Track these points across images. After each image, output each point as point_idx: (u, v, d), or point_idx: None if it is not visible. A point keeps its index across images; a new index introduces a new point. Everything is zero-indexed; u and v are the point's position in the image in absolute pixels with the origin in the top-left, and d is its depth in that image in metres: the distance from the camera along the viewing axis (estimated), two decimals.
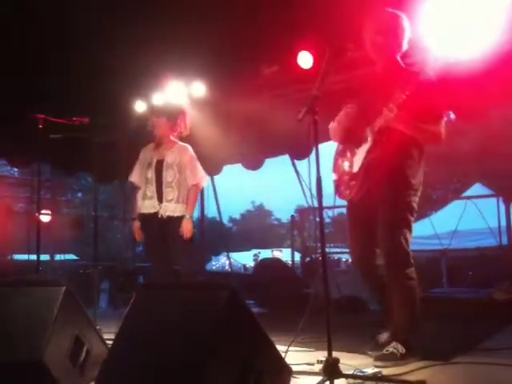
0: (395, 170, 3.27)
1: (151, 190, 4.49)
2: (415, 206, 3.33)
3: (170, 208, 4.44)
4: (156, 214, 4.45)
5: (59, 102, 5.86)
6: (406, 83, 3.16)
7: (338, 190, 3.45)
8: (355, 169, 3.36)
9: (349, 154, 3.44)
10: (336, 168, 3.50)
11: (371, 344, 3.43)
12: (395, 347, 3.20)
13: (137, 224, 4.60)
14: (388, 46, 3.35)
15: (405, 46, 3.39)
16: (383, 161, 3.24)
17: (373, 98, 3.32)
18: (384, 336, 3.43)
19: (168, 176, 4.47)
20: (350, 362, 3.16)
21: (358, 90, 3.56)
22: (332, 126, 3.52)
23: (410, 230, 3.31)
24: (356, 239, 3.51)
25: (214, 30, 5.37)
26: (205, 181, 4.70)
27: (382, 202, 3.30)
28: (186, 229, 4.42)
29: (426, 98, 3.17)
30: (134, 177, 4.68)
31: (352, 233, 3.53)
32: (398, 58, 3.41)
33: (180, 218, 4.45)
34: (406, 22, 3.36)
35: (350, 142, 3.45)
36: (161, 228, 4.45)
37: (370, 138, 3.30)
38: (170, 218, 4.43)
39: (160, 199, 4.46)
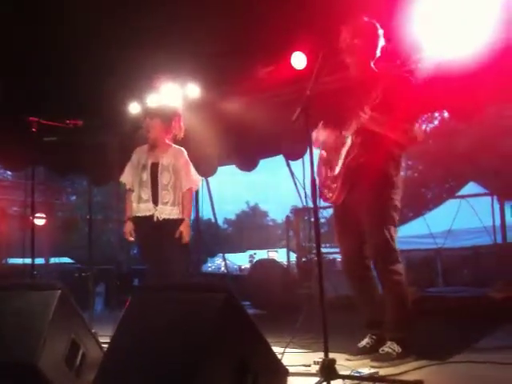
0: (377, 170, 3.31)
1: (146, 192, 4.48)
2: (398, 203, 3.38)
3: (166, 211, 4.43)
4: (151, 216, 4.44)
5: (53, 104, 5.84)
6: (380, 82, 3.21)
7: (321, 193, 3.48)
8: (336, 171, 3.40)
9: (330, 159, 3.49)
10: (319, 173, 3.54)
11: (352, 348, 3.43)
12: (391, 347, 3.21)
13: (130, 225, 4.58)
14: (363, 50, 3.42)
15: (378, 54, 3.46)
16: (363, 162, 3.30)
17: (348, 102, 3.38)
18: (364, 341, 3.44)
19: (164, 179, 4.46)
20: (346, 362, 3.17)
21: (338, 96, 3.59)
22: (313, 135, 3.54)
23: (394, 227, 3.36)
24: (344, 241, 3.55)
25: (207, 31, 5.36)
26: (198, 184, 4.72)
27: (366, 202, 3.34)
28: (186, 232, 4.43)
29: (401, 97, 3.21)
30: (125, 178, 4.66)
31: (340, 235, 3.56)
32: (372, 64, 3.46)
33: (175, 221, 4.44)
34: (380, 31, 3.44)
35: (329, 147, 3.48)
36: (156, 230, 4.44)
37: (348, 141, 3.33)
38: (166, 221, 4.42)
39: (155, 202, 4.45)
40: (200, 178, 4.72)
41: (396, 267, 3.30)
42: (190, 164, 4.59)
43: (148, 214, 4.46)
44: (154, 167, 4.49)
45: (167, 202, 4.44)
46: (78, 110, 5.63)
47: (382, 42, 3.44)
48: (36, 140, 4.48)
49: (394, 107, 3.19)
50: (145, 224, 4.49)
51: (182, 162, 4.54)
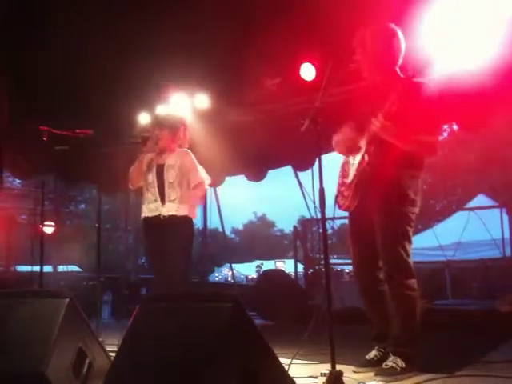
0: (389, 180, 3.24)
1: (153, 193, 4.51)
2: (413, 216, 3.30)
3: (173, 208, 4.44)
4: (158, 216, 4.46)
5: (63, 114, 5.89)
6: (398, 92, 3.15)
7: (336, 200, 3.46)
8: (349, 179, 3.38)
9: (346, 165, 3.48)
10: (339, 179, 3.53)
11: (360, 360, 3.41)
12: (395, 361, 3.16)
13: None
14: (384, 58, 3.36)
15: (400, 59, 3.41)
16: (374, 171, 3.25)
17: (371, 110, 3.33)
18: (372, 353, 3.42)
19: (169, 177, 4.49)
20: (353, 375, 3.15)
21: (358, 103, 3.57)
22: (335, 138, 3.53)
23: (409, 241, 3.29)
24: (357, 251, 3.51)
25: (217, 41, 5.40)
26: (208, 181, 4.71)
27: (379, 214, 3.29)
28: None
29: (419, 108, 3.16)
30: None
31: (353, 245, 3.53)
32: (398, 70, 3.42)
33: (182, 218, 4.45)
34: (400, 36, 3.39)
35: (351, 153, 3.47)
36: (162, 231, 4.44)
37: (362, 149, 3.31)
38: (172, 217, 4.42)
39: (163, 200, 4.47)
40: (209, 177, 4.72)
41: (410, 282, 3.25)
42: (197, 163, 4.61)
43: (156, 213, 4.48)
44: (160, 167, 4.53)
45: (174, 200, 4.45)
46: (88, 119, 5.68)
47: (403, 47, 3.38)
48: (46, 149, 4.52)
49: (409, 117, 3.14)
50: (153, 225, 4.51)
51: (189, 161, 4.57)
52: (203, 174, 4.61)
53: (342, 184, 3.47)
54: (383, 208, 3.27)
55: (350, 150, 3.47)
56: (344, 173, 3.48)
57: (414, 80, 3.28)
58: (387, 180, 3.24)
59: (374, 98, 3.40)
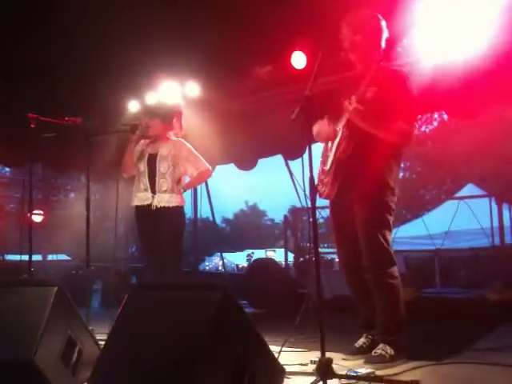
0: (370, 169, 3.24)
1: (144, 182, 4.49)
2: (393, 205, 3.32)
3: (165, 198, 4.42)
4: (149, 205, 4.44)
5: (52, 101, 5.84)
6: (372, 77, 3.16)
7: (317, 188, 3.44)
8: (327, 166, 3.36)
9: (325, 152, 3.47)
10: (319, 167, 3.50)
11: (349, 348, 3.43)
12: (383, 349, 3.19)
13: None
14: (366, 45, 3.36)
15: (382, 46, 3.40)
16: (353, 156, 3.23)
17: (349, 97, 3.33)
18: (361, 340, 3.44)
19: (161, 167, 4.47)
20: (343, 362, 3.17)
21: (341, 91, 3.56)
22: (314, 129, 3.51)
23: (389, 229, 3.31)
24: (340, 239, 3.52)
25: (207, 29, 5.36)
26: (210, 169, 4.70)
27: (360, 204, 3.30)
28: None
29: (398, 96, 3.17)
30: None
31: (336, 233, 3.53)
32: (377, 56, 3.41)
33: (174, 209, 4.44)
34: (382, 22, 3.39)
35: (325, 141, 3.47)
36: (154, 221, 4.43)
37: (339, 134, 3.30)
38: (164, 209, 4.41)
39: (153, 191, 4.45)
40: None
41: (391, 270, 3.27)
42: (195, 151, 4.58)
43: (146, 203, 4.46)
44: (152, 157, 4.50)
45: (165, 190, 4.44)
46: (76, 107, 5.63)
47: (385, 34, 3.37)
48: (34, 136, 4.48)
49: (387, 105, 3.14)
50: (143, 215, 4.50)
51: (186, 151, 4.55)
52: (204, 161, 4.60)
53: (322, 171, 3.45)
54: (364, 197, 3.26)
55: (329, 139, 3.46)
56: (324, 160, 3.47)
57: (394, 68, 3.29)
58: (368, 169, 3.24)
59: (356, 86, 3.40)
